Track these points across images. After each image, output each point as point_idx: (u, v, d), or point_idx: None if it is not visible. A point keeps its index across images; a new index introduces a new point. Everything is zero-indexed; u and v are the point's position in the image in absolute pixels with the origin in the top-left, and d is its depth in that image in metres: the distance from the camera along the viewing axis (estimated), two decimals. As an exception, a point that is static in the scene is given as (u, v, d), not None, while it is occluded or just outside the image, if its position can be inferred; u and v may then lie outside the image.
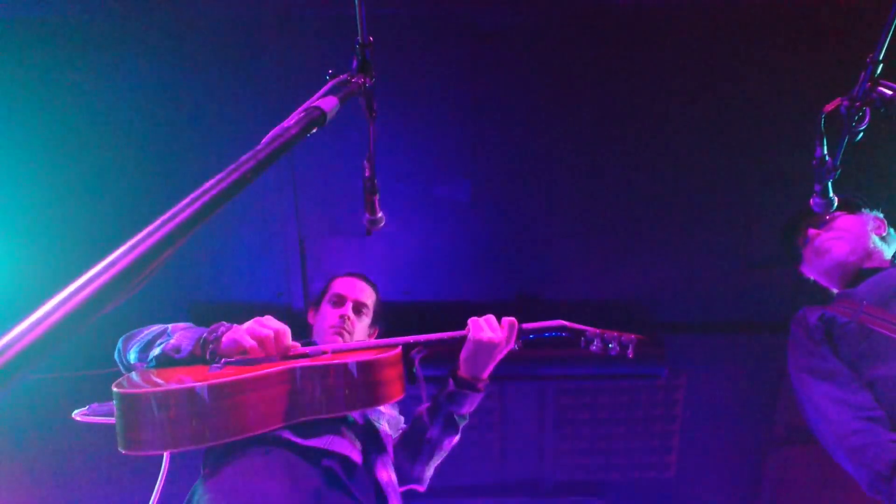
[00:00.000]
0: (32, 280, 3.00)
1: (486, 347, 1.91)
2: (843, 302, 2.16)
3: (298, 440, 1.73)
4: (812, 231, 2.34)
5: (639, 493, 3.85)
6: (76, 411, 1.86)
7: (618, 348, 1.95)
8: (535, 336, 2.01)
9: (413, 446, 2.04)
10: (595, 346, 1.98)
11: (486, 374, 1.98)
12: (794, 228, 2.44)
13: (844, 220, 2.31)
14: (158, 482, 1.80)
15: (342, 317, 2.28)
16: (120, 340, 1.97)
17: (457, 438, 2.05)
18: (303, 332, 2.38)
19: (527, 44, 2.83)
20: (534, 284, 3.41)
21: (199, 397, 1.56)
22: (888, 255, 2.26)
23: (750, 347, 3.53)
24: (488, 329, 1.93)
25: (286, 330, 1.82)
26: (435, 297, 3.37)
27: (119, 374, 1.98)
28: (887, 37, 1.35)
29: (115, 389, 1.59)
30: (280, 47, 2.78)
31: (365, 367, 1.76)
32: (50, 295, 0.61)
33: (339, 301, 2.34)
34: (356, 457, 1.80)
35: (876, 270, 2.18)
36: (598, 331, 1.99)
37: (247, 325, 1.80)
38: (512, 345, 1.97)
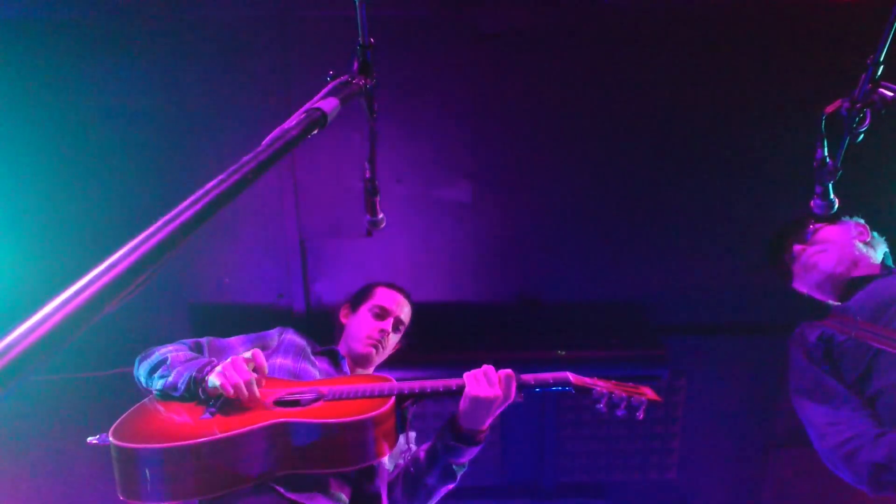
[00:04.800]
0: (33, 282, 3.01)
1: (485, 403, 1.83)
2: (839, 318, 2.16)
3: (284, 492, 1.74)
4: (797, 247, 2.35)
5: (640, 495, 3.84)
6: (90, 438, 1.90)
7: (625, 412, 1.81)
8: (530, 391, 1.90)
9: (410, 487, 2.02)
10: (601, 406, 1.83)
11: (486, 426, 1.91)
12: (778, 246, 2.44)
13: (827, 231, 2.32)
14: None
15: (382, 331, 2.29)
16: (137, 358, 2.04)
17: (454, 485, 2.01)
18: (303, 332, 2.38)
19: (527, 45, 2.83)
20: (535, 286, 3.40)
21: (188, 455, 1.61)
22: (876, 259, 2.26)
23: (751, 349, 3.52)
24: (486, 385, 1.84)
25: (251, 382, 1.80)
26: (436, 298, 3.36)
27: (118, 377, 2.00)
28: (888, 38, 1.35)
29: (111, 440, 1.65)
30: (281, 48, 2.78)
31: (353, 426, 1.71)
32: (50, 297, 0.61)
33: (383, 314, 2.34)
34: None
35: (866, 280, 2.18)
36: (605, 390, 1.84)
37: (221, 367, 1.82)
38: (512, 399, 1.86)
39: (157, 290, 3.13)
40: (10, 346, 0.55)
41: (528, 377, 1.88)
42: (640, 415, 1.81)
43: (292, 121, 1.04)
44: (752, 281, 3.32)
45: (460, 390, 1.86)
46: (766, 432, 3.71)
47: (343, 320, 2.42)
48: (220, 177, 0.84)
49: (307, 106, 1.11)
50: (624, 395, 1.83)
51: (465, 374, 1.88)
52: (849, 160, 1.53)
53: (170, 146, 2.94)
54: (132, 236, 0.70)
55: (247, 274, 3.27)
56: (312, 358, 2.20)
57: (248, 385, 1.78)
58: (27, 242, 3.06)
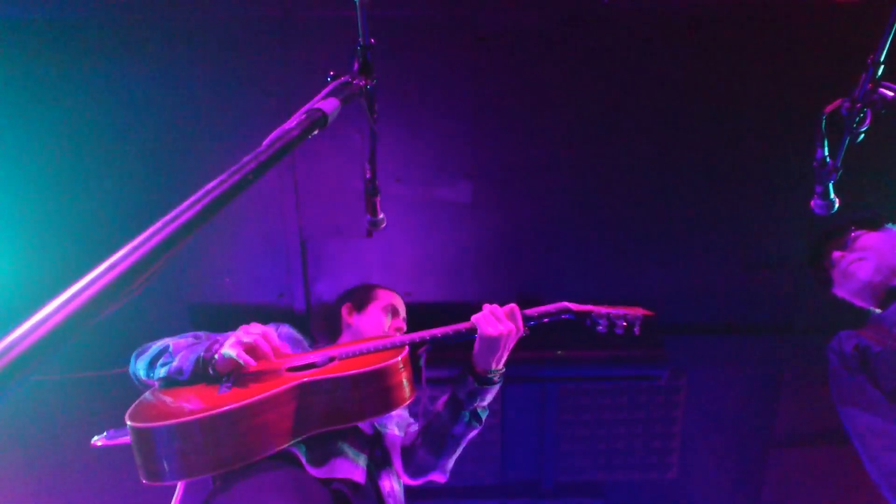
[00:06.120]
0: (33, 282, 3.01)
1: (500, 340, 1.90)
2: (875, 328, 2.13)
3: (308, 467, 1.75)
4: (836, 254, 2.31)
5: (640, 494, 3.84)
6: (95, 437, 1.87)
7: (624, 327, 1.93)
8: (537, 322, 1.99)
9: (436, 442, 2.05)
10: (601, 327, 1.95)
11: (502, 364, 1.98)
12: (818, 253, 2.41)
13: (867, 239, 2.29)
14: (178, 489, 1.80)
15: (399, 329, 2.35)
16: (133, 354, 1.99)
17: (480, 429, 2.06)
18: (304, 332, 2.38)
19: (527, 45, 2.83)
20: (534, 286, 3.40)
21: (210, 427, 1.57)
22: None
23: (750, 349, 3.52)
24: (497, 322, 1.91)
25: (269, 331, 1.83)
26: (436, 298, 3.36)
27: (118, 377, 1.98)
28: (888, 38, 1.35)
29: (128, 423, 1.60)
30: (281, 49, 2.78)
31: (375, 375, 1.74)
32: (51, 297, 0.61)
33: (395, 312, 2.37)
34: (359, 477, 1.82)
35: None
36: (604, 310, 1.96)
37: (233, 337, 1.81)
38: (521, 331, 1.95)
39: (158, 291, 3.14)
40: (10, 346, 0.55)
41: (532, 311, 1.99)
42: (637, 330, 1.92)
43: (292, 121, 1.04)
44: (751, 281, 3.32)
45: (470, 333, 1.92)
46: (766, 432, 3.71)
47: (348, 319, 2.39)
48: (221, 177, 0.84)
49: (307, 106, 1.11)
50: (621, 313, 1.95)
51: (473, 317, 1.94)
52: (877, 158, 1.52)
53: (170, 146, 2.94)
54: (133, 236, 0.70)
55: (247, 274, 3.27)
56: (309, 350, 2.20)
57: (267, 337, 1.80)
58: (27, 242, 3.06)
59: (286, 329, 2.25)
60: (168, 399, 1.75)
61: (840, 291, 2.37)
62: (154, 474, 1.58)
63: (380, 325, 2.32)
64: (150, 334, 2.07)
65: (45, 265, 3.02)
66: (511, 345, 1.95)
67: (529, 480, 3.80)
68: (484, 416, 2.04)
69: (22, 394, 3.19)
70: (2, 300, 3.04)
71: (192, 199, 0.79)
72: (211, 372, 1.78)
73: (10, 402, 3.25)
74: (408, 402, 1.83)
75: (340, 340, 2.35)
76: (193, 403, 1.68)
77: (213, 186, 0.82)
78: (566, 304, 2.01)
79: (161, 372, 1.84)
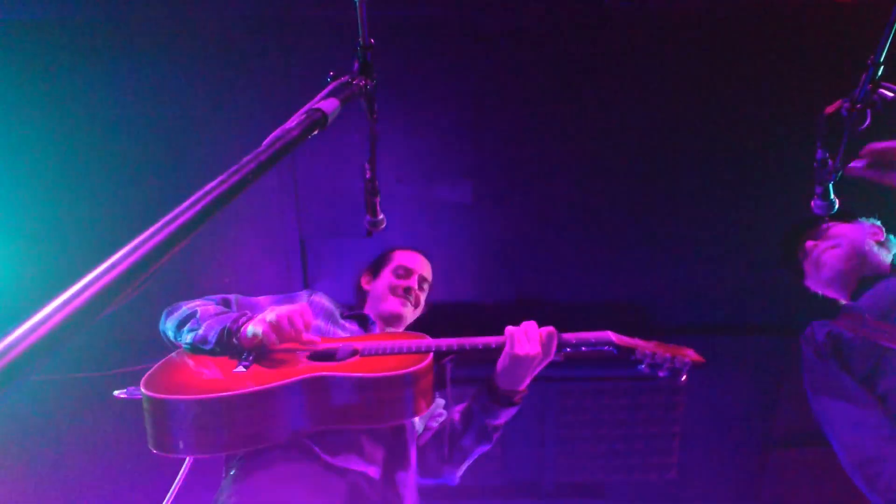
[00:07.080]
0: (33, 282, 3.01)
1: (524, 361, 1.78)
2: (848, 316, 2.13)
3: (323, 455, 1.72)
4: (809, 243, 2.33)
5: (640, 495, 3.84)
6: (117, 391, 1.90)
7: (668, 374, 1.74)
8: (575, 350, 1.83)
9: (445, 450, 1.99)
10: (643, 367, 1.76)
11: (524, 386, 1.87)
12: (792, 243, 2.42)
13: (840, 228, 2.30)
14: (176, 482, 1.81)
15: (408, 289, 2.29)
16: (164, 312, 2.00)
17: (489, 447, 1.98)
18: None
19: (528, 45, 2.83)
20: (534, 286, 3.40)
21: (223, 407, 1.57)
22: (887, 260, 2.22)
23: (750, 349, 3.52)
24: (527, 342, 1.79)
25: (296, 314, 1.78)
26: (435, 298, 3.36)
27: (118, 377, 1.98)
28: (888, 39, 1.35)
29: (143, 391, 1.60)
30: (281, 49, 2.78)
31: (395, 381, 1.67)
32: (51, 297, 0.61)
33: (407, 274, 2.35)
34: (374, 473, 1.78)
35: (876, 279, 2.15)
36: (649, 350, 1.77)
37: (261, 315, 1.79)
38: (552, 357, 1.82)
39: (158, 291, 3.13)
40: (10, 346, 0.55)
41: (570, 336, 1.83)
42: (684, 377, 1.73)
43: (292, 121, 1.04)
44: (752, 281, 3.32)
45: (500, 348, 1.81)
46: (766, 432, 3.71)
47: (365, 287, 2.38)
48: (221, 177, 0.84)
49: (307, 106, 1.11)
50: (668, 355, 1.76)
51: (507, 329, 1.83)
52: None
53: (170, 146, 2.94)
54: (133, 237, 0.70)
55: (247, 274, 3.27)
56: (342, 322, 2.15)
57: (293, 320, 1.75)
58: (27, 242, 3.06)
59: (318, 298, 2.22)
60: (191, 363, 1.76)
61: (812, 283, 2.37)
62: (161, 444, 1.58)
63: (391, 286, 2.29)
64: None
65: (45, 265, 3.02)
66: (538, 369, 1.83)
67: (530, 480, 3.79)
68: (495, 436, 1.93)
69: (22, 394, 3.19)
70: (2, 300, 3.04)
71: (192, 199, 0.79)
72: (235, 343, 1.77)
73: (10, 402, 3.25)
74: (422, 413, 1.76)
75: (367, 308, 2.33)
76: (212, 375, 1.69)
77: (213, 186, 0.82)
78: (610, 334, 1.81)
79: (188, 338, 1.84)
